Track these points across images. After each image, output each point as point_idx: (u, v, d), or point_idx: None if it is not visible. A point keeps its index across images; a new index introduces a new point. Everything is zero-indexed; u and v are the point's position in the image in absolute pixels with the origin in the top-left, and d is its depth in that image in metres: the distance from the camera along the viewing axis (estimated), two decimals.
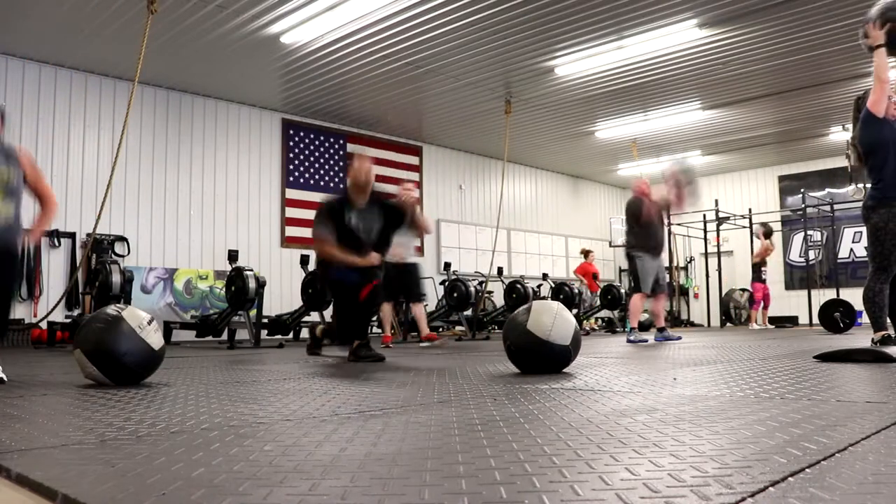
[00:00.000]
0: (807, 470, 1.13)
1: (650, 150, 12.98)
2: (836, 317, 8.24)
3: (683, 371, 3.16)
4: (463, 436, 1.53)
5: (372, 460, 1.28)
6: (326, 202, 4.52)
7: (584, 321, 11.27)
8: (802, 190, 12.89)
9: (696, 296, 15.02)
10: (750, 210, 13.84)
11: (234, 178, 9.73)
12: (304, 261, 7.69)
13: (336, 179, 10.78)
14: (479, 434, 1.55)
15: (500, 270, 10.46)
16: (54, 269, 8.07)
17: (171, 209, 9.06)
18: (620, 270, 15.47)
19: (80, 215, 8.23)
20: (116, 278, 6.80)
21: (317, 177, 10.62)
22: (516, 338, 3.16)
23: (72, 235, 8.19)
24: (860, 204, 4.24)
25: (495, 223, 10.56)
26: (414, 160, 11.95)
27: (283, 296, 9.61)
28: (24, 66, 8.01)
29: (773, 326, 12.20)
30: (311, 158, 10.60)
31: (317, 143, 10.68)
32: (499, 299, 10.72)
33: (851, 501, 0.94)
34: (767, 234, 11.38)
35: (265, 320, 7.84)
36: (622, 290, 10.81)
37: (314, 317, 8.09)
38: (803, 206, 12.37)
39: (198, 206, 9.31)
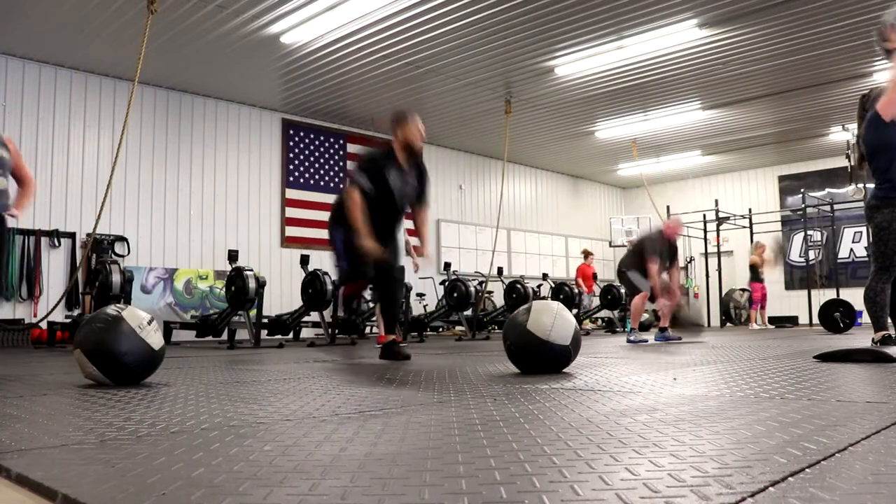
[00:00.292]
0: (807, 470, 1.13)
1: (650, 150, 12.99)
2: (836, 317, 8.24)
3: (683, 371, 3.16)
4: (463, 436, 1.53)
5: (372, 460, 1.28)
6: (371, 153, 4.36)
7: (584, 321, 11.28)
8: (802, 190, 12.90)
9: (696, 296, 15.03)
10: (750, 210, 13.84)
11: (234, 178, 9.74)
12: (304, 261, 7.69)
13: (336, 179, 10.78)
14: (479, 434, 1.55)
15: (500, 270, 10.46)
16: (54, 269, 8.08)
17: (171, 209, 9.07)
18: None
19: (80, 215, 8.23)
20: (116, 278, 6.80)
21: (317, 177, 10.62)
22: (516, 338, 3.16)
23: (72, 235, 8.19)
24: (860, 204, 4.24)
25: (495, 223, 10.56)
26: None
27: (283, 296, 9.61)
28: (24, 66, 8.01)
29: (773, 326, 12.21)
30: (311, 158, 10.60)
31: (317, 143, 10.68)
32: (499, 299, 10.72)
33: (851, 501, 0.94)
34: (776, 252, 11.67)
35: (265, 320, 7.84)
36: (622, 290, 10.81)
37: (314, 317, 8.10)
38: (803, 206, 12.38)
39: (198, 206, 9.32)
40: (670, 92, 9.79)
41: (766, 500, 0.96)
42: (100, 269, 6.98)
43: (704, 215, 13.71)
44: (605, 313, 11.99)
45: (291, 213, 10.25)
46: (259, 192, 9.97)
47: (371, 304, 7.41)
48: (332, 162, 10.81)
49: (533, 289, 10.08)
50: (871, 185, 4.19)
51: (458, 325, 9.80)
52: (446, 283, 8.98)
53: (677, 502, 0.95)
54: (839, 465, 1.16)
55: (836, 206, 12.61)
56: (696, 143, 12.64)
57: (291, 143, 10.39)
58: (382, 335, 6.14)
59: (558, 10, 7.09)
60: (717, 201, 13.81)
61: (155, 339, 2.86)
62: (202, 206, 9.36)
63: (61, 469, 1.25)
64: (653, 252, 6.53)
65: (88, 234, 7.73)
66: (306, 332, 8.72)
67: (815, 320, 10.01)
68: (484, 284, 9.84)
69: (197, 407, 2.10)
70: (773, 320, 12.59)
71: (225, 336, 7.40)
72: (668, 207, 13.82)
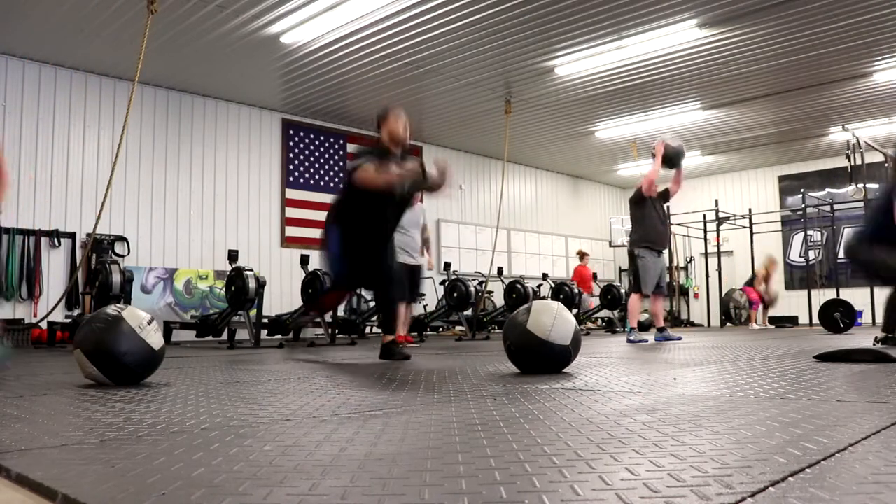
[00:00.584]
0: (807, 470, 1.13)
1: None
2: (836, 317, 8.24)
3: (683, 371, 3.16)
4: (463, 436, 1.53)
5: (372, 460, 1.28)
6: (364, 148, 4.45)
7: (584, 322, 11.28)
8: (802, 190, 12.90)
9: (696, 296, 15.03)
10: (750, 210, 13.84)
11: (234, 178, 9.74)
12: (304, 261, 7.69)
13: (336, 179, 10.78)
14: (479, 434, 1.55)
15: (500, 270, 10.46)
16: (54, 269, 8.08)
17: (171, 209, 9.07)
18: (620, 270, 15.47)
19: (80, 215, 8.23)
20: (116, 278, 6.80)
21: (317, 177, 10.62)
22: (516, 338, 3.16)
23: (72, 235, 8.19)
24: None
25: (495, 223, 10.56)
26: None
27: (283, 296, 9.61)
28: (24, 66, 8.01)
29: (773, 326, 12.21)
30: (311, 158, 10.60)
31: (317, 143, 10.68)
32: (499, 299, 10.72)
33: (851, 501, 0.94)
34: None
35: (265, 320, 7.84)
36: (622, 290, 10.81)
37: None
38: (803, 206, 12.38)
39: (198, 206, 9.32)
40: (670, 92, 9.79)
41: (766, 500, 0.96)
42: (100, 269, 6.98)
43: (704, 215, 13.71)
44: (604, 313, 11.98)
45: (291, 213, 10.25)
46: (259, 192, 9.97)
47: (372, 304, 7.43)
48: (332, 162, 10.81)
49: (533, 289, 10.08)
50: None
51: (458, 325, 9.80)
52: (446, 283, 8.98)
53: (677, 502, 0.95)
54: (839, 465, 1.16)
55: (836, 206, 12.61)
56: (696, 143, 12.63)
57: (291, 143, 10.39)
58: (402, 334, 6.12)
59: (558, 10, 7.09)
60: (717, 201, 13.81)
61: (155, 339, 2.86)
62: (202, 206, 9.36)
63: (61, 469, 1.25)
64: (637, 193, 6.80)
65: (88, 234, 7.73)
66: (306, 332, 8.72)
67: (815, 320, 10.01)
68: (484, 284, 9.85)
69: (197, 407, 2.10)
70: (773, 320, 12.59)
71: (225, 336, 7.40)
72: (668, 207, 13.79)
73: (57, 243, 8.08)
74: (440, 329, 10.39)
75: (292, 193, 10.30)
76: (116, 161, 6.68)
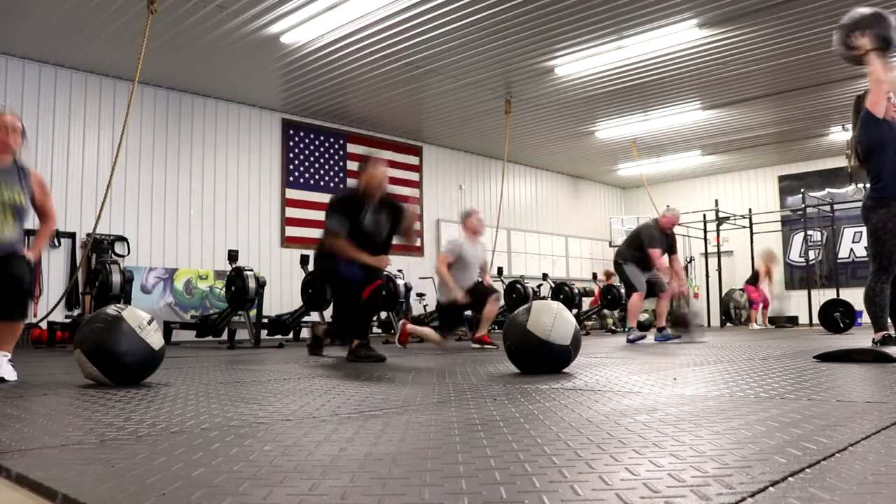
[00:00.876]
0: (807, 470, 1.13)
1: (650, 150, 12.99)
2: (836, 317, 8.24)
3: (683, 371, 3.16)
4: (463, 436, 1.53)
5: (372, 460, 1.28)
6: (341, 197, 4.58)
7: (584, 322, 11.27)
8: (802, 190, 12.90)
9: (696, 296, 15.03)
10: (750, 210, 13.84)
11: (234, 178, 9.74)
12: (304, 261, 7.69)
13: (336, 179, 10.78)
14: (479, 434, 1.55)
15: (500, 270, 10.45)
16: (54, 269, 8.07)
17: (171, 209, 9.07)
18: None
19: (80, 215, 8.23)
20: (116, 278, 6.80)
21: (317, 177, 10.62)
22: (516, 338, 3.16)
23: (72, 235, 8.19)
24: (860, 204, 4.25)
25: (495, 223, 10.56)
26: (414, 160, 11.95)
27: (283, 296, 9.61)
28: (24, 66, 8.01)
29: (773, 326, 12.21)
30: (311, 158, 10.60)
31: (317, 143, 10.68)
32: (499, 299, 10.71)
33: (851, 501, 0.94)
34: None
35: (265, 320, 7.84)
36: (622, 290, 10.81)
37: (314, 317, 8.09)
38: (803, 206, 12.38)
39: (198, 206, 9.32)
40: (670, 92, 9.79)
41: (766, 500, 0.96)
42: (100, 269, 6.98)
43: (704, 215, 13.71)
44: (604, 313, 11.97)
45: (291, 213, 10.25)
46: (259, 192, 9.97)
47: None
48: (332, 162, 10.81)
49: (533, 289, 10.08)
50: (869, 185, 4.21)
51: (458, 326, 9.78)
52: None
53: (677, 502, 0.95)
54: (839, 465, 1.16)
55: (836, 206, 12.61)
56: (696, 143, 12.64)
57: (291, 143, 10.39)
58: (481, 334, 6.07)
59: (558, 10, 7.09)
60: (717, 201, 13.81)
61: (155, 339, 2.86)
62: (202, 206, 9.36)
63: (61, 469, 1.25)
64: (652, 242, 6.56)
65: (88, 234, 7.73)
66: (306, 332, 8.71)
67: (815, 320, 10.01)
68: None
69: (197, 407, 2.10)
70: (773, 320, 12.59)
71: (225, 336, 7.40)
72: (667, 207, 13.79)
73: (57, 243, 8.08)
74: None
75: (292, 193, 10.30)
76: (116, 161, 6.68)
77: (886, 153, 4.01)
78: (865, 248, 4.69)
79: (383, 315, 8.88)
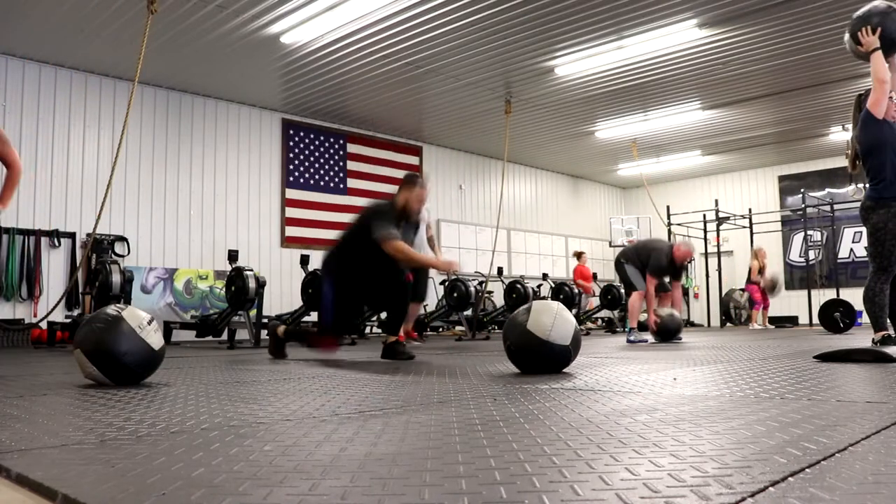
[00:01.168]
0: (807, 470, 1.13)
1: (650, 150, 12.99)
2: (836, 317, 8.24)
3: (683, 371, 3.16)
4: (463, 436, 1.53)
5: (372, 460, 1.28)
6: (385, 207, 4.47)
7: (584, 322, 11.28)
8: (802, 190, 12.90)
9: (696, 296, 15.03)
10: (750, 210, 13.85)
11: (234, 178, 9.74)
12: (304, 261, 7.69)
13: (336, 179, 10.78)
14: (479, 434, 1.55)
15: (500, 270, 10.45)
16: (54, 269, 8.08)
17: (171, 209, 9.07)
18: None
19: (80, 215, 8.23)
20: (116, 278, 6.79)
21: (317, 177, 10.62)
22: (516, 338, 3.16)
23: (72, 235, 8.19)
24: (860, 204, 4.25)
25: (495, 223, 10.56)
26: (414, 160, 11.95)
27: (283, 296, 9.61)
28: (24, 66, 8.01)
29: (773, 326, 12.21)
30: (311, 158, 10.61)
31: (317, 143, 10.68)
32: (499, 299, 10.72)
33: (851, 501, 0.94)
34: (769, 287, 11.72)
35: (265, 320, 7.83)
36: (622, 290, 10.81)
37: (314, 317, 8.09)
38: (803, 206, 12.38)
39: (198, 206, 9.32)
40: (670, 92, 9.79)
41: (766, 500, 0.96)
42: (100, 269, 6.97)
43: (704, 215, 13.71)
44: (604, 313, 11.98)
45: (291, 213, 10.25)
46: (259, 192, 9.97)
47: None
48: (332, 162, 10.81)
49: (533, 289, 10.08)
50: (868, 185, 4.20)
51: (458, 325, 9.80)
52: (446, 283, 8.98)
53: (677, 502, 0.95)
54: (839, 465, 1.16)
55: (836, 206, 12.62)
56: (696, 143, 12.64)
57: (291, 143, 10.39)
58: (408, 329, 6.15)
59: (558, 10, 7.09)
60: (717, 201, 13.81)
61: (155, 339, 2.86)
62: (202, 206, 9.36)
63: (61, 469, 1.25)
64: (657, 270, 6.48)
65: (88, 234, 7.73)
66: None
67: (815, 320, 10.00)
68: (484, 284, 9.84)
69: (197, 407, 2.10)
70: (773, 320, 12.59)
71: (225, 336, 7.40)
72: (668, 207, 13.82)
73: (57, 243, 8.08)
74: (440, 329, 10.39)
75: (292, 193, 10.30)
76: (116, 161, 6.68)
77: (886, 153, 4.01)
78: (866, 248, 4.69)
79: (383, 315, 8.88)
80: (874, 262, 4.07)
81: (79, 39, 7.52)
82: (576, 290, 10.65)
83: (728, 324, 13.42)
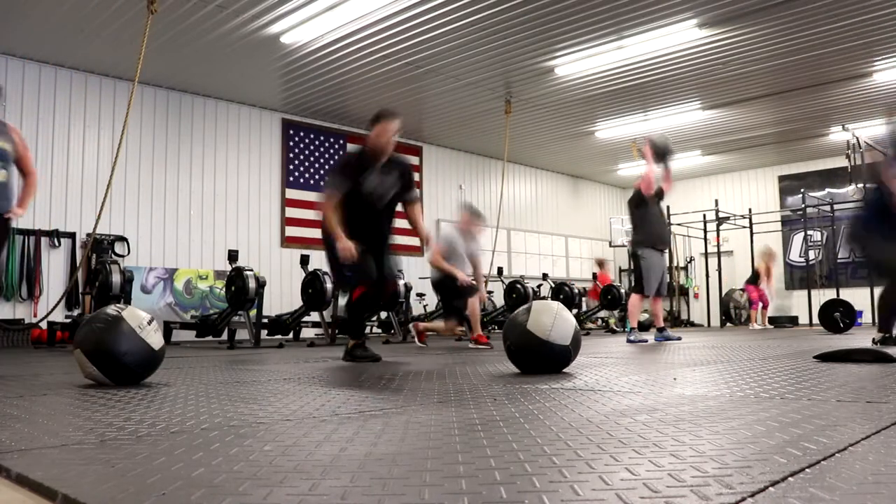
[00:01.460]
0: (807, 470, 1.13)
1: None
2: (836, 317, 8.24)
3: (683, 371, 3.16)
4: (463, 436, 1.53)
5: (372, 460, 1.28)
6: (343, 158, 4.34)
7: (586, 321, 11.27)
8: (802, 190, 12.90)
9: (696, 296, 15.03)
10: (750, 210, 13.84)
11: (234, 178, 9.74)
12: (304, 261, 7.69)
13: None
14: (479, 434, 1.55)
15: (500, 270, 10.46)
16: (54, 269, 8.07)
17: (171, 209, 9.06)
18: (620, 270, 15.47)
19: (80, 215, 8.23)
20: (116, 278, 6.79)
21: (317, 177, 10.62)
22: (516, 338, 3.16)
23: (72, 235, 8.19)
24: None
25: (495, 223, 10.56)
26: (414, 160, 11.95)
27: (283, 296, 9.61)
28: (24, 66, 8.01)
29: (772, 326, 12.21)
30: (311, 158, 10.60)
31: (317, 143, 10.68)
32: (499, 299, 10.72)
33: (851, 501, 0.94)
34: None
35: (265, 320, 7.83)
36: (622, 291, 10.81)
37: (314, 317, 8.10)
38: (803, 206, 12.38)
39: (198, 206, 9.31)
40: (670, 92, 9.79)
41: (766, 500, 0.96)
42: (100, 269, 6.98)
43: (704, 215, 13.71)
44: (604, 313, 11.97)
45: (291, 213, 10.25)
46: (259, 192, 9.97)
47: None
48: (332, 162, 10.80)
49: (533, 289, 10.08)
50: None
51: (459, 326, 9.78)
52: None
53: (677, 502, 0.95)
54: (839, 465, 1.16)
55: (836, 206, 12.61)
56: (696, 143, 12.63)
57: (291, 143, 10.39)
58: (478, 333, 6.07)
59: (558, 10, 7.08)
60: (717, 201, 13.81)
61: (155, 339, 2.86)
62: (202, 206, 9.36)
63: (61, 469, 1.25)
64: (637, 193, 6.54)
65: (88, 234, 7.73)
66: (306, 332, 8.72)
67: (815, 320, 10.00)
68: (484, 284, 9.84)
69: (197, 407, 2.10)
70: (773, 320, 12.59)
71: (225, 336, 7.40)
72: (668, 207, 13.79)
73: (57, 243, 8.08)
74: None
75: (292, 193, 10.30)
76: (116, 161, 6.68)
77: None
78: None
79: (383, 315, 8.89)
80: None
81: (79, 39, 7.51)
82: (576, 290, 10.64)
83: (728, 324, 13.42)
